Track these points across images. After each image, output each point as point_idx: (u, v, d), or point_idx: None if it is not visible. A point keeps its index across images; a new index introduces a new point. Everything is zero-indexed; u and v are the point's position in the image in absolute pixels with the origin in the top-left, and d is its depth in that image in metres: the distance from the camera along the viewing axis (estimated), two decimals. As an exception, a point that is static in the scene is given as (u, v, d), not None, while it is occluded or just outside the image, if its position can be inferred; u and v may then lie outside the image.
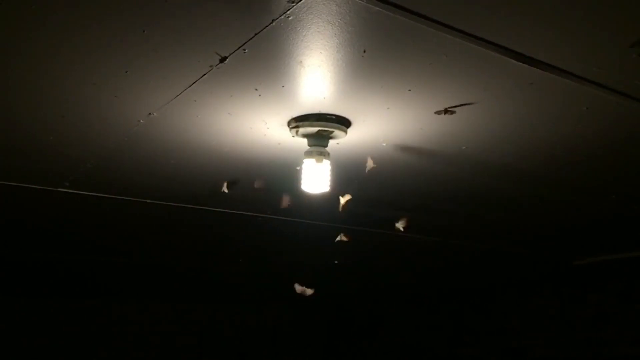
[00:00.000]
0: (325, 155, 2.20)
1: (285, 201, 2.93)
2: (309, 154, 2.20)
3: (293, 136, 2.18)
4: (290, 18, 1.49)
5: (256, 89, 1.87)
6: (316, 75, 1.78)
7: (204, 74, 1.77)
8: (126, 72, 1.75)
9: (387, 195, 3.00)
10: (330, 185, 2.29)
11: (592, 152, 2.47)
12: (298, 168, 2.29)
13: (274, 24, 1.51)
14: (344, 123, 2.12)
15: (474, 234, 4.07)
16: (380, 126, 2.18)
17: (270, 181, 2.79)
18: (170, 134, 2.23)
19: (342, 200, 2.61)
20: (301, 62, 1.70)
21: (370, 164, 2.49)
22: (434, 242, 4.22)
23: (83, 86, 1.83)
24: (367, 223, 3.73)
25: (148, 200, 3.09)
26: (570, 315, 5.64)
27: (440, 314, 6.82)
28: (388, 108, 2.03)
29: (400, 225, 2.76)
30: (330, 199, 2.75)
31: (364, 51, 1.65)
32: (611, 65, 1.77)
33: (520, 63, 1.72)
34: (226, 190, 2.69)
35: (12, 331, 5.83)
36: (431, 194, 3.09)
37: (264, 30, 1.54)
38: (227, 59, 1.68)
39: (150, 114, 2.04)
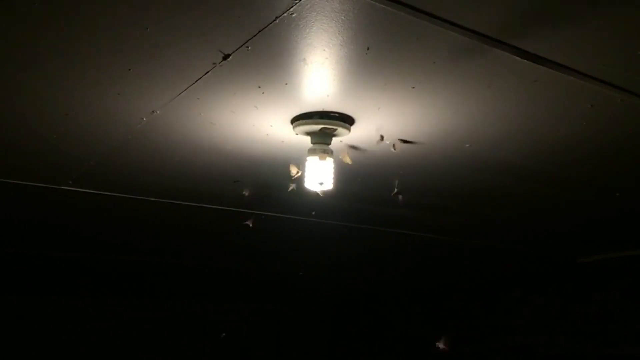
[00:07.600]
0: (329, 153, 2.19)
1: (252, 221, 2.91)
2: (312, 152, 2.19)
3: (297, 134, 2.18)
4: (293, 15, 1.49)
5: (259, 87, 1.87)
6: (319, 72, 1.78)
7: (207, 72, 1.77)
8: (129, 70, 1.74)
9: (390, 193, 3.00)
10: (334, 183, 2.28)
11: (596, 149, 2.46)
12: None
13: (277, 21, 1.51)
14: (347, 121, 2.12)
15: (477, 232, 4.07)
16: (383, 124, 2.17)
17: (274, 179, 2.79)
18: (173, 131, 2.23)
19: (294, 171, 2.42)
20: (304, 59, 1.70)
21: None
22: (437, 239, 4.22)
23: (86, 84, 1.83)
24: (370, 221, 3.72)
25: (151, 198, 3.09)
26: (574, 313, 5.63)
27: (443, 311, 6.82)
28: (392, 105, 2.02)
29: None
30: (332, 197, 2.74)
31: (368, 48, 1.65)
32: (616, 62, 1.76)
33: (525, 60, 1.71)
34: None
35: (12, 330, 5.85)
36: (435, 192, 3.09)
37: (267, 27, 1.53)
38: (230, 57, 1.68)
39: (153, 111, 2.04)
